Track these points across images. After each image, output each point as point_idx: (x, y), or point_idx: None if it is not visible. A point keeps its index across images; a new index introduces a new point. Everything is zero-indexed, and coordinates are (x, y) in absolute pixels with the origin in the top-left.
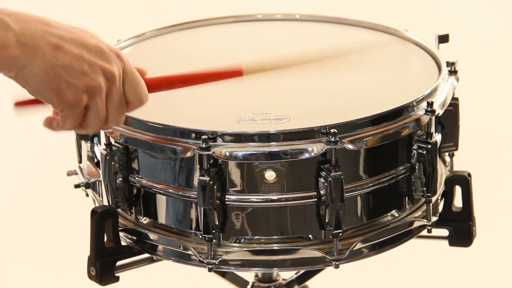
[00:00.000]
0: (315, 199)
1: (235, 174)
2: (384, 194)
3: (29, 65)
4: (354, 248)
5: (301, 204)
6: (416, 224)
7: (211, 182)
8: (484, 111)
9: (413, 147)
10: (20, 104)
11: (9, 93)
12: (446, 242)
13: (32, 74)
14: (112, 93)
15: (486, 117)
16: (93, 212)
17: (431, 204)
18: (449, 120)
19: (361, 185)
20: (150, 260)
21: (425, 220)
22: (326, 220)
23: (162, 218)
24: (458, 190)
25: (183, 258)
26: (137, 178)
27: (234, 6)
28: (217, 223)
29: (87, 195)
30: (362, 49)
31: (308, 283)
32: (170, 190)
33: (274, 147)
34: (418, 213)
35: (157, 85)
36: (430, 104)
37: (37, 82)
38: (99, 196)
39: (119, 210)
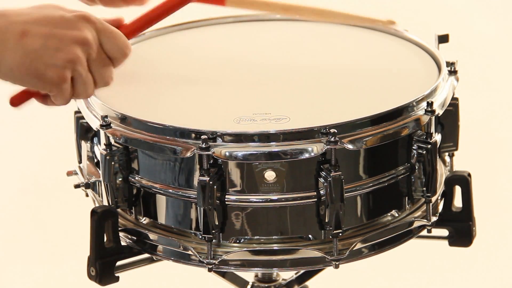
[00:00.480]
0: (315, 199)
1: (235, 174)
2: (384, 194)
3: (2, 60)
4: (354, 248)
5: (301, 204)
6: (416, 224)
7: (211, 182)
8: (484, 111)
9: (413, 147)
10: (15, 101)
11: (8, 93)
12: (446, 242)
13: (8, 67)
14: (92, 57)
15: (486, 117)
16: (93, 212)
17: (431, 204)
18: (449, 120)
19: (361, 185)
20: (150, 260)
21: (425, 220)
22: (326, 220)
23: (162, 218)
24: (458, 190)
25: (183, 258)
26: (137, 178)
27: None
28: (217, 223)
29: (87, 195)
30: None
31: (308, 283)
32: (170, 190)
33: (274, 147)
34: (418, 213)
35: (136, 28)
36: (430, 104)
37: (16, 73)
38: (99, 196)
39: (119, 210)
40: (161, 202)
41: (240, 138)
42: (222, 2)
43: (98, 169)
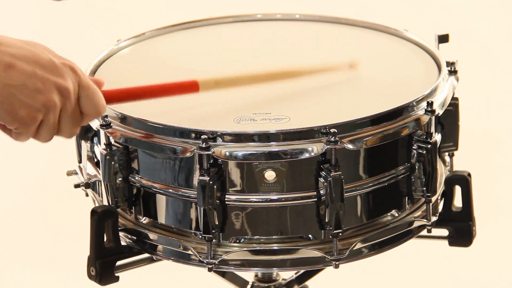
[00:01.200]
0: (315, 199)
1: (235, 174)
2: (384, 194)
3: None
4: (354, 248)
5: (301, 204)
6: (416, 224)
7: (211, 182)
8: (484, 111)
9: (413, 147)
10: None
11: None
12: (446, 242)
13: None
14: (67, 108)
15: (486, 117)
16: (93, 212)
17: (431, 204)
18: (449, 120)
19: (361, 185)
20: (150, 260)
21: (425, 220)
22: (326, 220)
23: (162, 218)
24: (458, 190)
25: (183, 258)
26: (137, 178)
27: (234, 6)
28: (217, 223)
29: (87, 195)
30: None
31: (308, 283)
32: (170, 190)
33: (274, 147)
34: (418, 213)
35: (113, 97)
36: (430, 104)
37: None
38: (99, 196)
39: (119, 210)
40: (161, 202)
41: (240, 138)
42: (196, 89)
43: (98, 169)
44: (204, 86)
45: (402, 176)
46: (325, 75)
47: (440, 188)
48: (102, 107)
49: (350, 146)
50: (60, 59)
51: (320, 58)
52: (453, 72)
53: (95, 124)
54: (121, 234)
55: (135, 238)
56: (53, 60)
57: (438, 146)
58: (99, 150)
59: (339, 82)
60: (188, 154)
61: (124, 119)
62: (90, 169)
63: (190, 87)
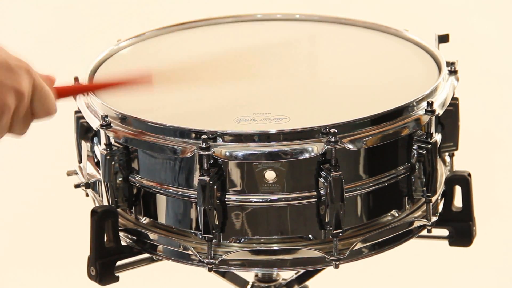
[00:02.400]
0: (315, 199)
1: (235, 174)
2: (384, 194)
3: None
4: (354, 248)
5: (301, 204)
6: (416, 224)
7: (211, 182)
8: (484, 111)
9: (413, 147)
10: None
11: None
12: (446, 242)
13: None
14: (19, 110)
15: (486, 117)
16: (93, 212)
17: (431, 204)
18: (449, 120)
19: (361, 185)
20: (150, 260)
21: (425, 220)
22: (326, 220)
23: (162, 218)
24: (458, 190)
25: (183, 258)
26: (137, 178)
27: (234, 6)
28: (217, 223)
29: (87, 195)
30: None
31: (308, 283)
32: (170, 190)
33: (274, 147)
34: (418, 213)
35: (65, 93)
36: (430, 104)
37: None
38: (99, 196)
39: (119, 210)
40: (161, 202)
41: (240, 138)
42: (150, 81)
43: (98, 169)
44: (158, 79)
45: (402, 176)
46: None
47: (440, 188)
48: (53, 109)
49: (350, 146)
50: (15, 61)
51: (320, 58)
52: (453, 72)
53: (95, 124)
54: (121, 234)
55: (135, 238)
56: (8, 61)
57: (438, 146)
58: (99, 150)
59: (339, 82)
60: (188, 154)
61: (124, 119)
62: (90, 169)
63: (144, 79)
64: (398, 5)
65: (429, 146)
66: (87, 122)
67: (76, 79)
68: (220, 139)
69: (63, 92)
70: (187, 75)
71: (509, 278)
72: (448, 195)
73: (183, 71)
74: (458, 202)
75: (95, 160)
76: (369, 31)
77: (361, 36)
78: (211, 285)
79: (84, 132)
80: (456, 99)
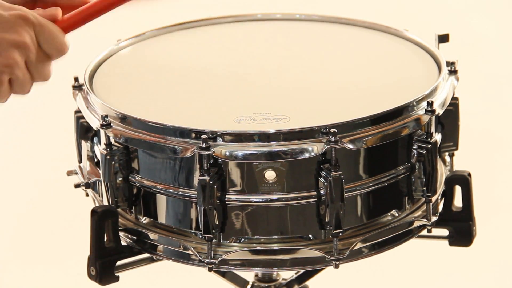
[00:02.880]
0: (315, 199)
1: (235, 174)
2: (384, 194)
3: None
4: (354, 248)
5: (301, 204)
6: (416, 224)
7: (211, 182)
8: (484, 111)
9: (413, 147)
10: None
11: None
12: (446, 242)
13: None
14: (30, 59)
15: (486, 117)
16: (93, 212)
17: (431, 204)
18: (449, 120)
19: (361, 185)
20: (150, 260)
21: (425, 220)
22: (326, 220)
23: (162, 218)
24: (458, 190)
25: (183, 258)
26: (137, 178)
27: (234, 6)
28: (217, 223)
29: (87, 195)
30: None
31: (308, 283)
32: (170, 190)
33: (274, 147)
34: (418, 213)
35: (74, 22)
36: (430, 104)
37: None
38: (99, 196)
39: (119, 210)
40: (161, 201)
41: (240, 137)
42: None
43: (98, 168)
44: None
45: (402, 176)
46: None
47: (440, 188)
48: (63, 44)
49: (350, 146)
50: (8, 10)
51: (320, 58)
52: (453, 72)
53: (95, 123)
54: (121, 234)
55: (135, 238)
56: (2, 14)
57: (438, 146)
58: (99, 150)
59: (339, 82)
60: (188, 154)
61: (124, 119)
62: (90, 169)
63: None
64: (398, 5)
65: (429, 146)
66: (87, 122)
67: (76, 79)
68: (220, 139)
69: (71, 24)
70: (187, 75)
71: (509, 278)
72: (448, 195)
73: (183, 71)
74: (458, 202)
75: (95, 160)
76: (369, 31)
77: (361, 36)
78: (211, 285)
79: (84, 132)
80: (456, 99)
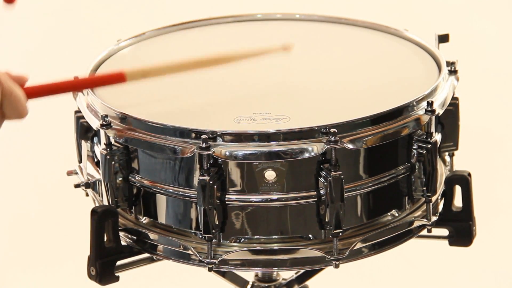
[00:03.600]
0: (315, 199)
1: (235, 174)
2: (384, 194)
3: None
4: (354, 248)
5: (301, 204)
6: (416, 223)
7: (211, 182)
8: (484, 111)
9: (413, 147)
10: None
11: None
12: (446, 242)
13: None
14: None
15: (486, 117)
16: (93, 212)
17: (431, 203)
18: (449, 120)
19: (361, 185)
20: (150, 260)
21: (425, 220)
22: (326, 220)
23: (162, 218)
24: (458, 190)
25: (183, 257)
26: (137, 178)
27: (234, 6)
28: (217, 222)
29: (87, 195)
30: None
31: (308, 283)
32: (170, 190)
33: (274, 146)
34: (418, 213)
35: (38, 92)
36: (430, 104)
37: None
38: (99, 196)
39: (119, 209)
40: (161, 201)
41: (240, 137)
42: (123, 79)
43: (98, 168)
44: (132, 77)
45: (402, 176)
46: (260, 59)
47: (440, 188)
48: (24, 112)
49: (350, 146)
50: None
51: (320, 58)
52: (453, 72)
53: (95, 123)
54: (121, 234)
55: (135, 238)
56: None
57: (438, 146)
58: (99, 150)
59: (340, 82)
60: (188, 154)
61: (124, 119)
62: (90, 169)
63: (117, 78)
64: (398, 5)
65: (429, 146)
66: (87, 122)
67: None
68: (220, 139)
69: (34, 92)
70: (186, 75)
71: (509, 278)
72: (448, 195)
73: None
74: (458, 202)
75: (95, 160)
76: (369, 31)
77: (361, 36)
78: (211, 285)
79: (84, 132)
80: (456, 99)
